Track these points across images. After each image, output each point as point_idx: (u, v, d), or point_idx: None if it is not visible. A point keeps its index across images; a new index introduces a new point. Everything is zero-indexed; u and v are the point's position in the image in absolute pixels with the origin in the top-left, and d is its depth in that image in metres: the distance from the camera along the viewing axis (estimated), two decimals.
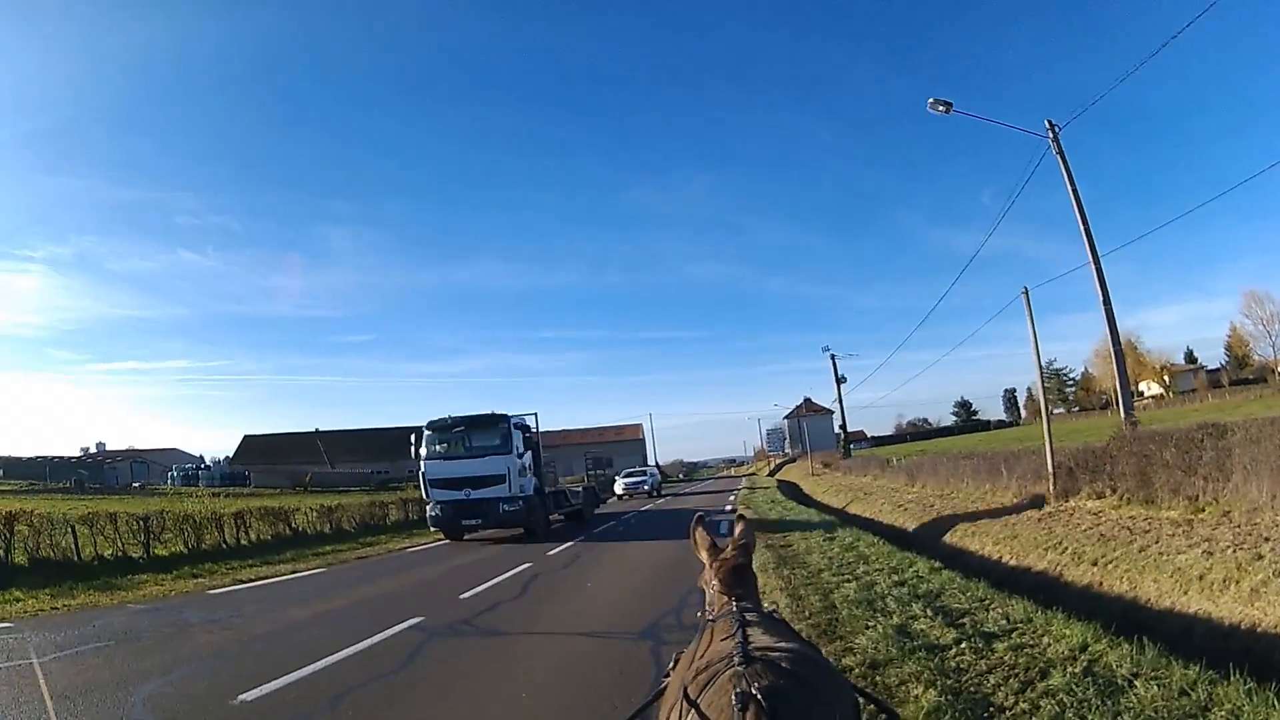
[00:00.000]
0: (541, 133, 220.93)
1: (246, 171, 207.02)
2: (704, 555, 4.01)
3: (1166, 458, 17.10)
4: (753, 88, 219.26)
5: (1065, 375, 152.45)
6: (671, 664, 3.43)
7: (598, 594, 15.47)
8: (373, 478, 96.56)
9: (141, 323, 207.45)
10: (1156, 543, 14.24)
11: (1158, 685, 6.95)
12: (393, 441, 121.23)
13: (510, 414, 28.26)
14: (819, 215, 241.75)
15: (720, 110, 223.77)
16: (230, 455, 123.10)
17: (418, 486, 29.62)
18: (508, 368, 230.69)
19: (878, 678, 7.80)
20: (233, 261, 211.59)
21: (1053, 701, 6.82)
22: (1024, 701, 6.95)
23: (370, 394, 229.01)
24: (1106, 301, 23.53)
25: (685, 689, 2.60)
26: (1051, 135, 24.27)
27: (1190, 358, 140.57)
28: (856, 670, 7.83)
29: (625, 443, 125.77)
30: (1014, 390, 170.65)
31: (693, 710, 2.46)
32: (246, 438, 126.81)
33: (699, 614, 3.71)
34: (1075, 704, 6.71)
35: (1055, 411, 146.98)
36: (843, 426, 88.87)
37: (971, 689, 7.35)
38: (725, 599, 3.53)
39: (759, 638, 2.83)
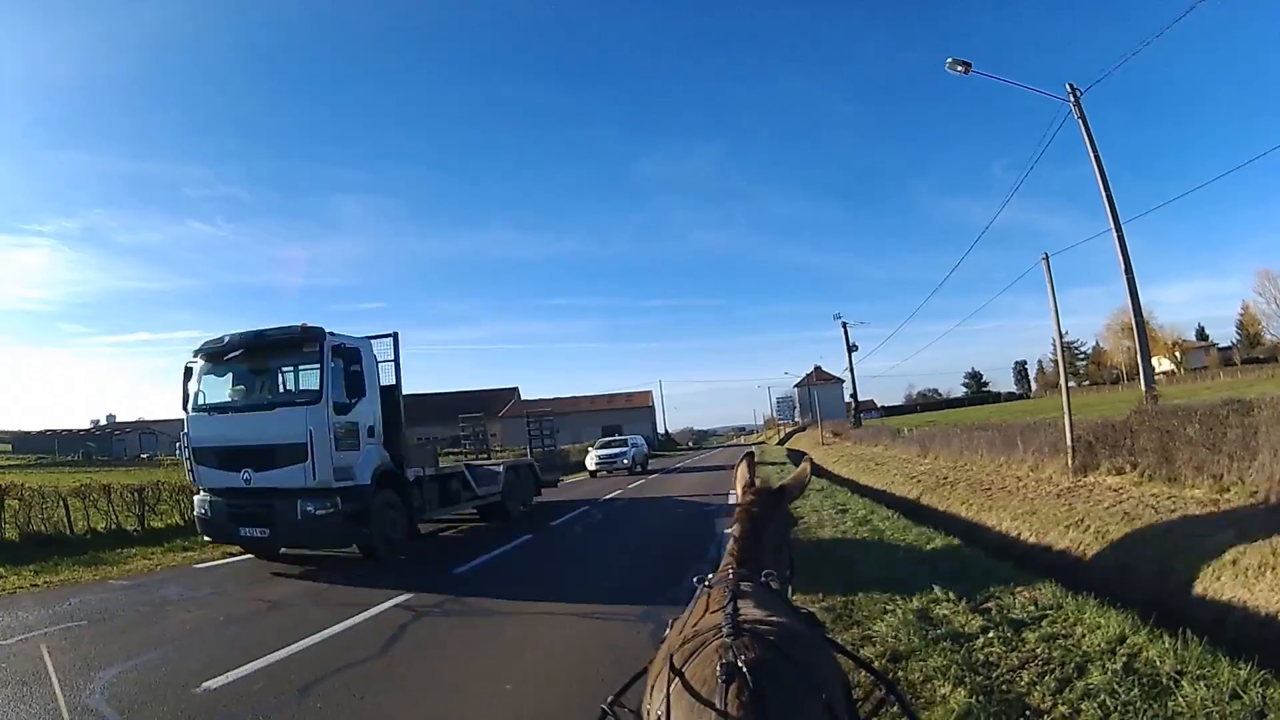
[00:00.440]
0: (552, 102, 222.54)
1: (255, 142, 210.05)
2: (738, 487, 4.33)
3: (1190, 434, 16.48)
4: (764, 58, 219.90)
5: (1077, 349, 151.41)
6: (667, 630, 3.36)
7: None
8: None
9: (151, 294, 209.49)
10: (1184, 523, 13.55)
11: (1206, 685, 6.35)
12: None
13: (334, 332, 16.60)
14: (830, 185, 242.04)
15: (731, 80, 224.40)
16: None
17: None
18: (518, 335, 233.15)
19: (900, 672, 7.16)
20: (242, 231, 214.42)
21: (1094, 704, 6.22)
22: (1063, 703, 6.35)
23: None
24: (1128, 270, 22.79)
25: (671, 657, 2.65)
26: (1073, 99, 23.52)
27: (1201, 335, 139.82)
28: (877, 664, 7.09)
29: (635, 410, 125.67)
30: (1024, 363, 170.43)
31: (677, 679, 2.53)
32: None
33: (695, 579, 3.64)
34: (1119, 706, 6.12)
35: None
36: (853, 395, 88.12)
37: (1004, 687, 6.74)
38: (731, 561, 3.68)
39: (750, 610, 2.87)
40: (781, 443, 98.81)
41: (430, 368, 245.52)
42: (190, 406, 17.36)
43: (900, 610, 9.10)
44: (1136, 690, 6.32)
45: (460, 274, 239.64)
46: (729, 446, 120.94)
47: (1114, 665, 6.94)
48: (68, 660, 9.16)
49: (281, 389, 17.20)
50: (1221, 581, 11.10)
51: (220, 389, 17.35)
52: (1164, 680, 6.53)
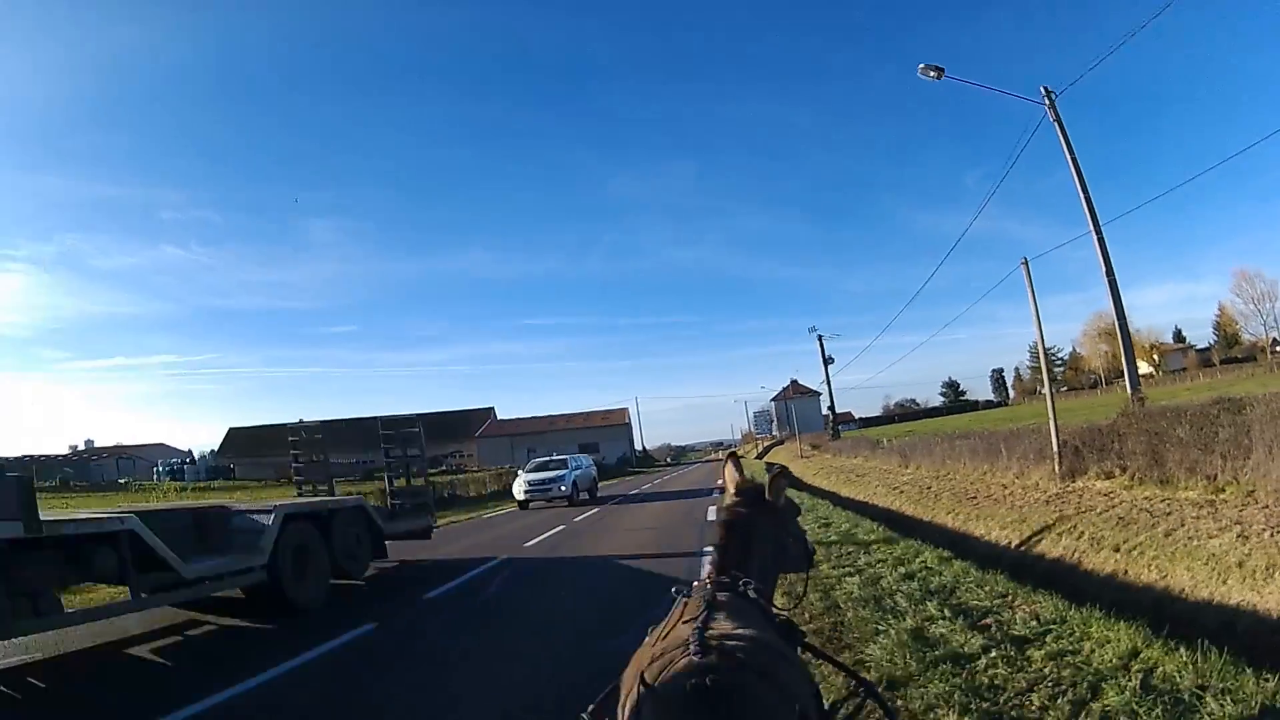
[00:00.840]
0: (523, 123, 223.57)
1: (227, 165, 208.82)
2: (730, 488, 4.23)
3: (1180, 435, 16.10)
4: (734, 76, 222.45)
5: (1054, 355, 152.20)
6: (647, 637, 3.20)
7: None
8: (357, 468, 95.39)
9: (127, 319, 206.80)
10: (1182, 526, 13.05)
11: (1232, 701, 5.77)
12: (376, 430, 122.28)
13: None
14: (802, 200, 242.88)
15: (702, 99, 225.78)
16: (215, 449, 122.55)
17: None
18: (493, 355, 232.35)
19: (900, 701, 6.52)
20: (216, 255, 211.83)
21: None
22: None
23: (355, 384, 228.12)
24: (1109, 271, 22.57)
25: (642, 674, 2.57)
26: (1048, 101, 23.49)
27: (1179, 337, 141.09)
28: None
29: (612, 427, 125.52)
30: (1001, 370, 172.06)
31: (650, 696, 2.47)
32: (231, 430, 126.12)
33: (673, 590, 3.54)
34: None
35: (1043, 391, 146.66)
36: (831, 408, 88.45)
37: (1013, 714, 6.12)
38: (710, 570, 3.66)
39: (721, 623, 2.85)
40: (760, 457, 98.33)
41: (405, 389, 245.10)
42: None
43: (893, 630, 8.42)
44: (1159, 710, 5.76)
45: (434, 295, 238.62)
46: (706, 462, 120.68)
47: (1130, 683, 6.35)
48: None
49: None
50: (1228, 586, 10.60)
51: None
52: (1186, 697, 5.97)
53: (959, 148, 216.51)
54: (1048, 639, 7.80)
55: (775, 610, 3.59)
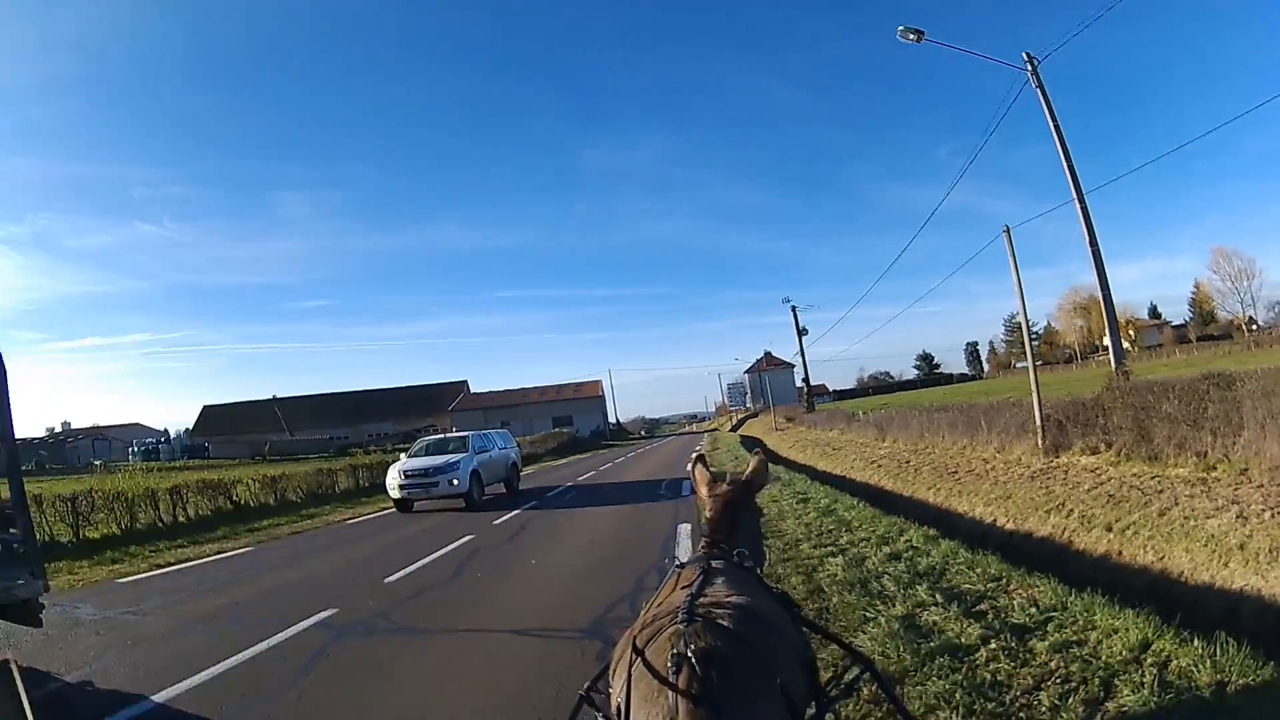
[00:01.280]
0: (497, 93, 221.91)
1: (199, 141, 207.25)
2: (703, 490, 4.07)
3: (1168, 410, 15.74)
4: (708, 45, 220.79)
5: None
6: (644, 607, 3.31)
7: None
8: (331, 444, 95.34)
9: (101, 298, 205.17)
10: (1176, 505, 12.63)
11: (1256, 697, 5.30)
12: (352, 406, 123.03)
13: None
14: (777, 172, 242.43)
15: (675, 68, 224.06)
16: (190, 428, 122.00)
17: (379, 450, 25.42)
18: (468, 328, 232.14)
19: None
20: (190, 231, 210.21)
21: None
22: None
23: (331, 359, 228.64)
24: (1093, 241, 22.14)
25: (634, 638, 2.68)
26: (1030, 68, 23.10)
27: (1154, 314, 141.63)
28: (865, 692, 5.80)
29: (586, 400, 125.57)
30: (975, 344, 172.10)
31: (639, 660, 2.49)
32: (206, 409, 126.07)
33: (667, 560, 3.54)
34: None
35: (1019, 365, 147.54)
36: (805, 379, 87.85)
37: (1022, 715, 5.58)
38: (705, 542, 3.71)
39: (713, 591, 2.94)
40: (734, 429, 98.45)
41: (379, 363, 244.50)
42: None
43: (883, 619, 7.82)
44: (1179, 712, 5.26)
45: (407, 268, 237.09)
46: (681, 435, 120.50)
47: (1143, 678, 5.83)
48: None
49: None
50: (1230, 569, 10.16)
51: None
52: (1206, 694, 5.47)
53: (934, 120, 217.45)
54: (1050, 628, 7.28)
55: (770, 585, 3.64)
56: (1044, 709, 5.60)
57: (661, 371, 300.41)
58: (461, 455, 26.16)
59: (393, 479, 25.64)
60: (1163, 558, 11.49)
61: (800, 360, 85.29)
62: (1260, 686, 5.47)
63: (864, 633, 7.56)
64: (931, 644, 6.98)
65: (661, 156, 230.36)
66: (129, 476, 25.29)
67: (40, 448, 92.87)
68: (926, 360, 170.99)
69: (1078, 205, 21.94)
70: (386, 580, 13.18)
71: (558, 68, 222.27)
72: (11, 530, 9.41)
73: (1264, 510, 10.79)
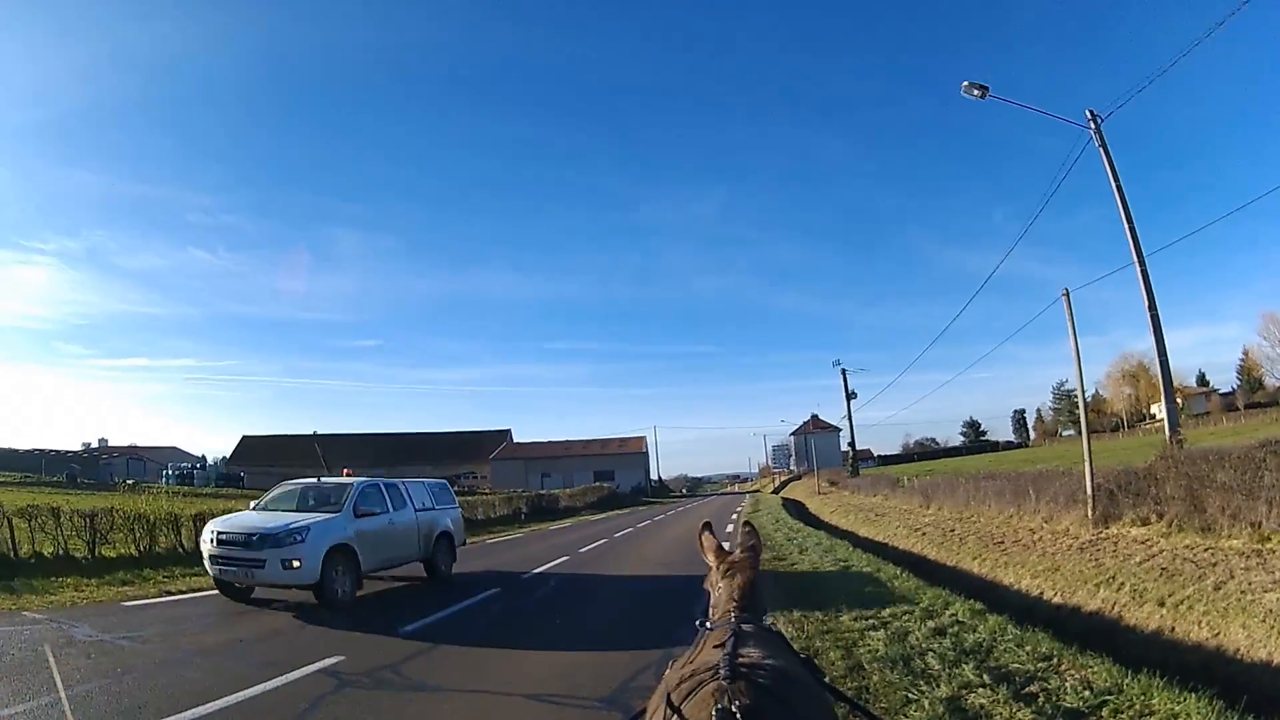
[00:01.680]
0: (554, 142, 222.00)
1: (259, 171, 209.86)
2: (710, 558, 3.97)
3: (1222, 479, 15.22)
4: (766, 103, 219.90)
5: (1075, 397, 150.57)
6: (669, 668, 3.05)
7: None
8: None
9: (150, 320, 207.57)
10: (1232, 578, 12.17)
11: None
12: (392, 448, 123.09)
13: None
14: (830, 232, 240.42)
15: (734, 125, 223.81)
16: (227, 456, 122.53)
17: None
18: (513, 377, 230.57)
19: None
20: (243, 261, 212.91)
21: None
22: None
23: (375, 399, 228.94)
24: (1152, 306, 21.43)
25: (669, 694, 2.57)
26: (1093, 126, 22.60)
27: (1202, 380, 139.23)
28: None
29: (629, 455, 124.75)
30: (1023, 411, 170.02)
31: (675, 716, 2.43)
32: (245, 438, 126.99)
33: (697, 622, 3.47)
34: None
35: (1065, 433, 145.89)
36: (851, 443, 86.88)
37: None
38: (730, 607, 3.45)
39: (749, 652, 2.77)
40: (776, 491, 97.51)
41: (422, 407, 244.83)
42: None
43: (927, 700, 7.30)
44: None
45: (456, 313, 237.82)
46: (723, 494, 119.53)
47: None
48: None
49: None
50: None
51: None
52: None
53: (988, 184, 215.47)
54: (1105, 713, 6.86)
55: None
56: None
57: (706, 430, 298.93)
58: (319, 517, 16.23)
59: (206, 540, 15.83)
60: (1218, 634, 11.03)
61: (848, 423, 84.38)
62: None
63: (906, 716, 7.07)
64: None
65: (717, 213, 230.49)
66: (152, 499, 24.79)
67: (73, 461, 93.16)
68: (973, 427, 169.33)
69: (1138, 268, 21.36)
70: (401, 630, 12.69)
71: (618, 120, 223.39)
72: None
73: None
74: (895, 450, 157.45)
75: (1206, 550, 13.89)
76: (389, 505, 18.07)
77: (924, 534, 27.36)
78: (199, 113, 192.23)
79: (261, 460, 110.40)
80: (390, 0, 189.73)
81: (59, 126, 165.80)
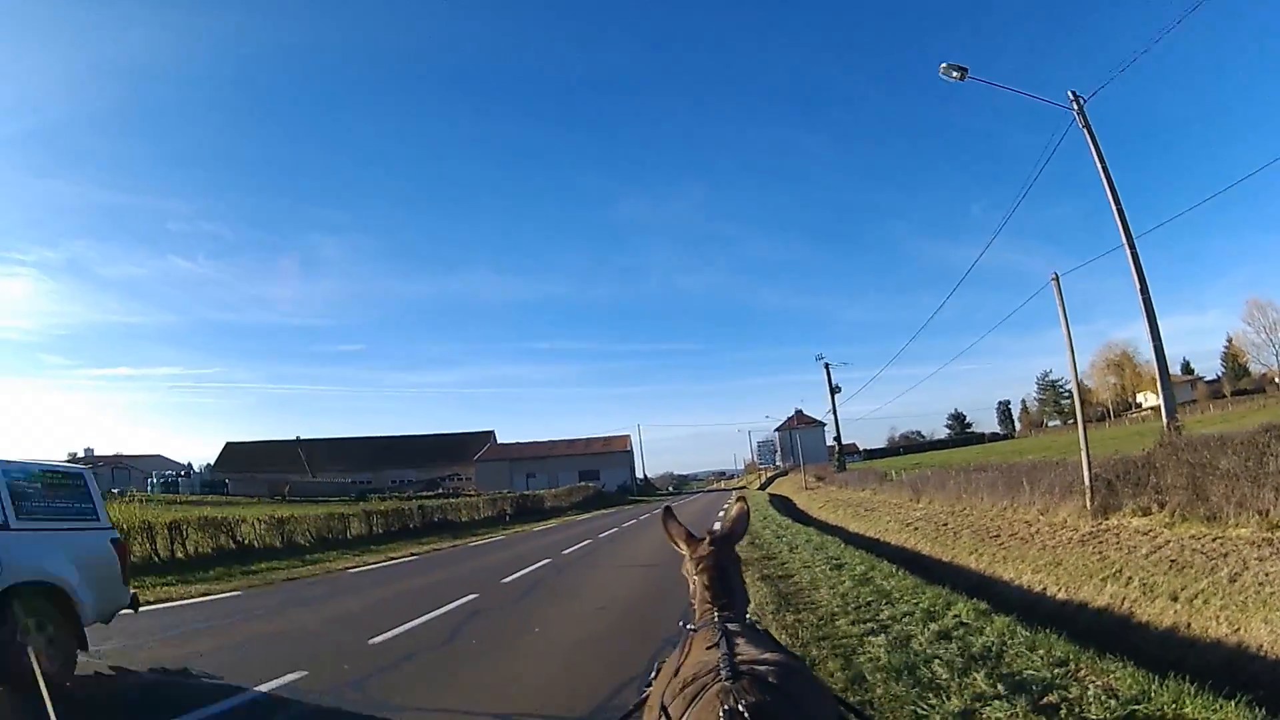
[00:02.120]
0: (533, 142, 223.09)
1: (238, 178, 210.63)
2: (682, 546, 3.82)
3: (1225, 466, 14.76)
4: (746, 100, 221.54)
5: (1061, 387, 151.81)
6: (653, 674, 3.30)
7: None
8: (353, 488, 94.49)
9: (132, 329, 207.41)
10: (1246, 569, 11.55)
11: None
12: (376, 451, 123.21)
13: None
14: (811, 227, 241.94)
15: (713, 122, 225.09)
16: (212, 463, 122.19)
17: (400, 496, 20.16)
18: (498, 378, 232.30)
19: None
20: (224, 269, 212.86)
21: None
22: None
23: (359, 403, 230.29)
24: (1144, 290, 21.02)
25: (665, 706, 2.58)
26: (1076, 106, 22.24)
27: (1187, 369, 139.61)
28: None
29: (613, 454, 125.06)
30: (1008, 402, 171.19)
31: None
32: (229, 445, 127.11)
33: (680, 623, 3.55)
34: None
35: (1051, 424, 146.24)
36: (837, 438, 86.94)
37: None
38: (708, 606, 3.43)
39: (744, 649, 2.78)
40: (763, 487, 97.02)
41: (407, 410, 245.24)
42: None
43: (938, 715, 6.58)
44: None
45: (440, 316, 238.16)
46: (709, 492, 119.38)
47: None
48: None
49: None
50: None
51: None
52: None
53: (966, 178, 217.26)
54: None
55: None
56: None
57: (691, 428, 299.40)
58: None
59: None
60: (1238, 629, 10.36)
61: (833, 418, 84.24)
62: None
63: None
64: None
65: (696, 210, 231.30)
66: (125, 507, 24.21)
67: None
68: (958, 419, 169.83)
69: (1127, 250, 20.89)
70: (371, 642, 11.90)
71: (596, 118, 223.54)
72: None
73: None
74: (881, 444, 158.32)
75: (1214, 540, 13.28)
76: None
77: (916, 529, 26.73)
78: (177, 120, 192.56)
79: (246, 466, 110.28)
80: (365, 3, 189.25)
81: (36, 136, 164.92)
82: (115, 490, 79.70)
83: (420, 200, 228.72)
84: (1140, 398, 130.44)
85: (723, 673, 2.47)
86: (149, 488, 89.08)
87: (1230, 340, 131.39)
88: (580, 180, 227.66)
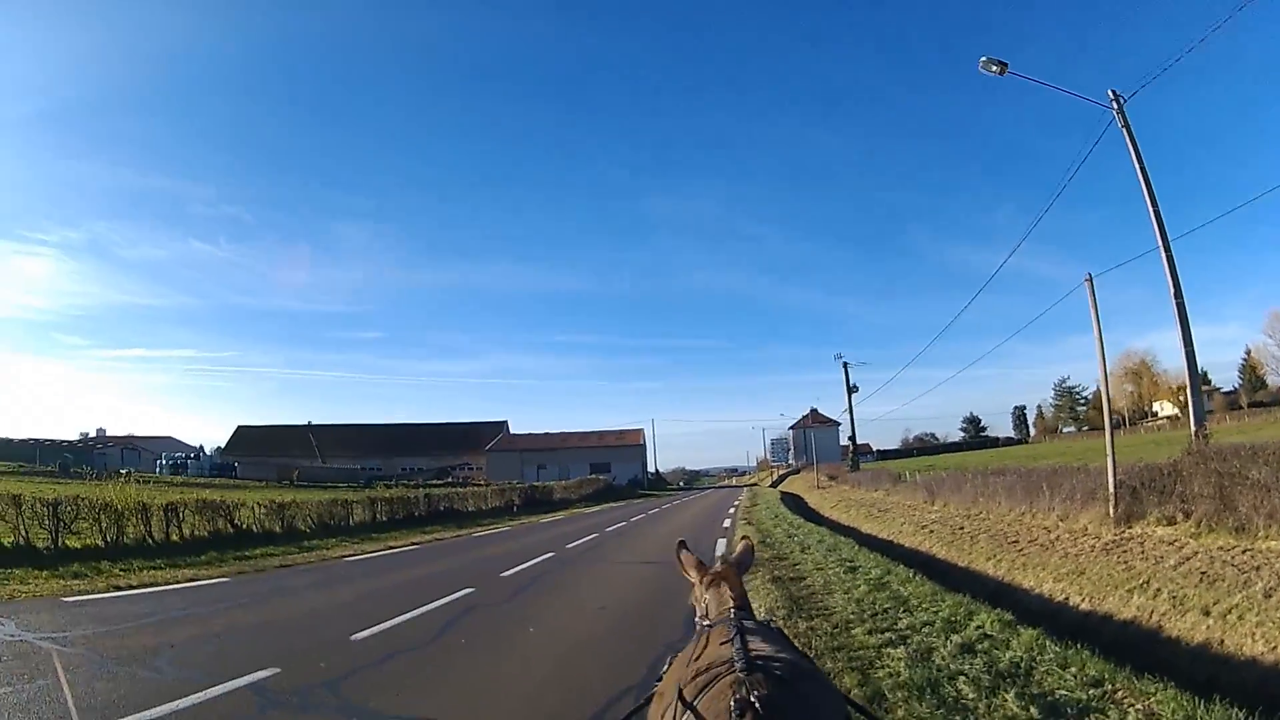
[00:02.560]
0: (561, 137, 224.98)
1: (262, 163, 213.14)
2: (692, 574, 3.94)
3: (1255, 476, 14.16)
4: (773, 99, 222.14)
5: (1078, 394, 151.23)
6: (665, 666, 3.30)
7: None
8: (362, 474, 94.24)
9: (150, 311, 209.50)
10: None
11: None
12: (388, 438, 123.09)
13: None
14: (834, 229, 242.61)
15: (740, 120, 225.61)
16: (223, 446, 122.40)
17: (408, 484, 19.45)
18: (514, 369, 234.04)
19: None
20: (245, 253, 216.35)
21: None
22: None
23: (374, 390, 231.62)
24: (1178, 294, 20.27)
25: (681, 690, 2.57)
26: (1116, 106, 21.52)
27: (1204, 380, 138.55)
28: None
29: (626, 448, 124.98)
30: (1023, 408, 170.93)
31: (688, 712, 2.44)
32: (240, 429, 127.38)
33: (696, 619, 3.59)
34: None
35: (1065, 430, 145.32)
36: (852, 437, 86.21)
37: None
38: (726, 605, 3.43)
39: (758, 645, 2.77)
40: (775, 485, 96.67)
41: (422, 398, 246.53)
42: None
43: None
44: None
45: (459, 306, 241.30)
46: (720, 488, 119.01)
47: None
48: None
49: None
50: None
51: None
52: None
53: (992, 183, 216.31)
54: None
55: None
56: None
57: (704, 424, 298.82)
58: None
59: None
60: (1275, 648, 9.78)
61: (849, 417, 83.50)
62: None
63: None
64: None
65: (721, 208, 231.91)
66: (120, 487, 23.64)
67: (66, 451, 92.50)
68: (973, 423, 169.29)
69: (1163, 253, 20.23)
70: (354, 637, 11.18)
71: (621, 114, 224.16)
72: None
73: None
74: (895, 445, 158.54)
75: (1245, 553, 12.72)
76: None
77: (932, 531, 26.13)
78: (203, 103, 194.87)
79: (256, 450, 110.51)
80: None
81: (61, 117, 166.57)
82: (123, 471, 79.98)
83: (444, 190, 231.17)
84: (1156, 406, 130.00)
85: (737, 665, 2.48)
86: (158, 469, 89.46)
87: (1249, 352, 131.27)
88: (607, 175, 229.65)
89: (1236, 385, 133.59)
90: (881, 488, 46.95)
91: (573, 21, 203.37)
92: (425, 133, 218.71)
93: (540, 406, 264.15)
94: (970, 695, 7.09)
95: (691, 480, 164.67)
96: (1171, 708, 6.40)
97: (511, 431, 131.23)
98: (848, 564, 16.57)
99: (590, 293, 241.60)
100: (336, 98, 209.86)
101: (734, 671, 2.47)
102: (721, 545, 22.88)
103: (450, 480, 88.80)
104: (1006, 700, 6.82)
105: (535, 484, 70.98)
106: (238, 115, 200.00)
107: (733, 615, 3.22)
